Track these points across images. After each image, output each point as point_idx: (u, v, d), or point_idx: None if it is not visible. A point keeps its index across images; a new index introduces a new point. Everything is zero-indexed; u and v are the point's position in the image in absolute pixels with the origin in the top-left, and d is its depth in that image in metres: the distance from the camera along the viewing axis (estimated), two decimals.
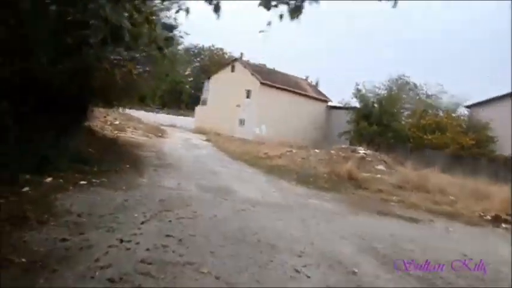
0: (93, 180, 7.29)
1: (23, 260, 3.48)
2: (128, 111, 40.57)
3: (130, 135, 19.88)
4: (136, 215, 5.55)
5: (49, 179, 6.84)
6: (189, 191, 7.97)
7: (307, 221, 6.91)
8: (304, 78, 43.28)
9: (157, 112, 49.79)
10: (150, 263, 3.86)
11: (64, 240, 4.12)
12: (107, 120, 22.77)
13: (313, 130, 37.21)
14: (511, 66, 47.92)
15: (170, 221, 5.55)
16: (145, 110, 50.30)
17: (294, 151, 19.34)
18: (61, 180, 6.76)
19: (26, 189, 5.82)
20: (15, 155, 6.82)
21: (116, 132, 19.44)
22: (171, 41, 9.76)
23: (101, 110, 21.89)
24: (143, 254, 4.09)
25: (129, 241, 4.40)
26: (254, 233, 5.56)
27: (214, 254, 4.44)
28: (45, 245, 3.90)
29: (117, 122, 23.30)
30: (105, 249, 4.05)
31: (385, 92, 32.55)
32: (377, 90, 31.80)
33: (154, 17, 5.24)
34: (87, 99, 14.13)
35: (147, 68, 12.73)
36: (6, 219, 4.42)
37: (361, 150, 18.44)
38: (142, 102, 56.77)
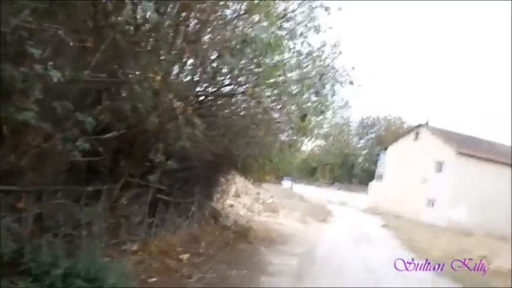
0: None
1: None
2: (289, 186, 37.34)
3: (280, 220, 15.23)
4: None
5: None
6: None
7: None
8: None
9: (326, 188, 45.37)
10: None
11: None
12: (258, 198, 18.96)
13: None
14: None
15: None
16: (315, 185, 46.47)
17: None
18: None
19: None
20: None
21: (262, 214, 15.16)
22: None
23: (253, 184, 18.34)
24: None
25: None
26: None
27: None
28: None
29: (270, 201, 19.23)
30: None
31: None
32: None
33: None
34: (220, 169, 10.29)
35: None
36: None
37: None
38: (311, 177, 53.78)
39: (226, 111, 5.90)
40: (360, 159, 55.70)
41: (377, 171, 38.16)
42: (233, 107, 6.01)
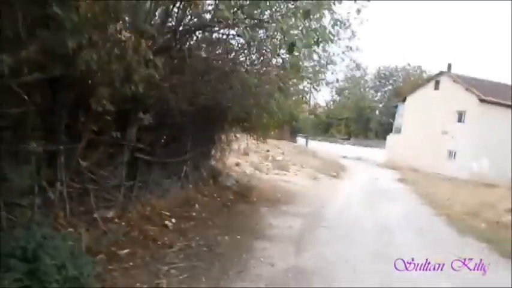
0: None
1: None
2: (304, 143, 36.28)
3: (289, 177, 14.45)
4: None
5: None
6: None
7: None
8: None
9: (341, 143, 44.24)
10: None
11: None
12: (267, 155, 18.16)
13: None
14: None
15: None
16: (330, 141, 45.35)
17: None
18: None
19: None
20: None
21: (271, 172, 14.42)
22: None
23: (268, 141, 17.36)
24: None
25: None
26: None
27: None
28: None
29: (280, 158, 18.42)
30: None
31: None
32: None
33: None
34: (216, 125, 9.40)
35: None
36: None
37: None
38: (326, 133, 52.58)
39: (204, 52, 4.89)
40: (377, 113, 53.84)
41: (395, 123, 36.64)
42: (212, 46, 4.99)
